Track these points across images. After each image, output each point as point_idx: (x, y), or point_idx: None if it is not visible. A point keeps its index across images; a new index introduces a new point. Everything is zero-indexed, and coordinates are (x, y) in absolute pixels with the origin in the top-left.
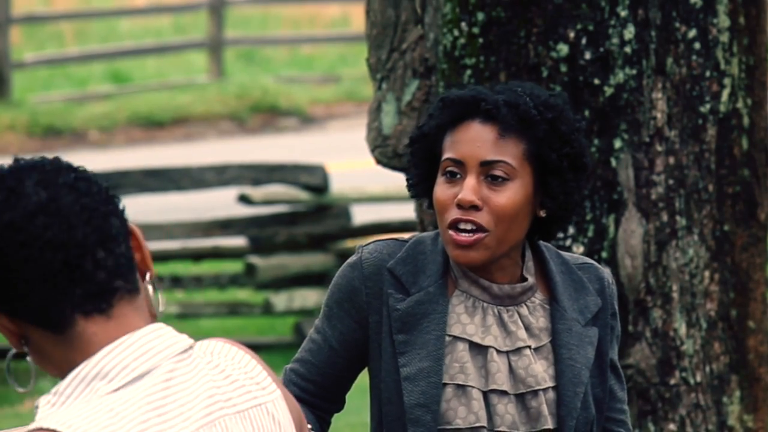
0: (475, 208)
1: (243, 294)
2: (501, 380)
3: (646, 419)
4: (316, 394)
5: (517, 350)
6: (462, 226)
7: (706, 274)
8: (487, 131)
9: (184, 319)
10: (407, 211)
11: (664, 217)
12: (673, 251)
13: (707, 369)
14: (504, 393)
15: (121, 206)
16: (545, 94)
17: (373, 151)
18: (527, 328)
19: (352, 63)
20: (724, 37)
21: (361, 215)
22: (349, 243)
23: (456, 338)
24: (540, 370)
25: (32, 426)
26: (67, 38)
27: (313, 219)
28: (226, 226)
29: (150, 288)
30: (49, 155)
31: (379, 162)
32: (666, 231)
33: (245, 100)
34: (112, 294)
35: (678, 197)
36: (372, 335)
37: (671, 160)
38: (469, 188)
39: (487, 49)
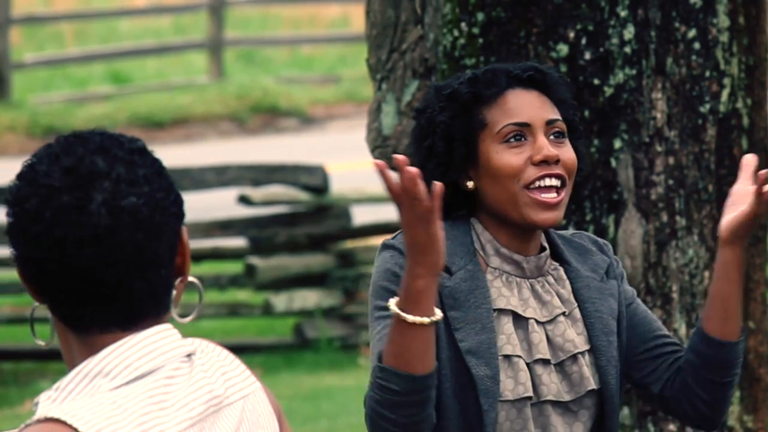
0: (556, 162)
1: (243, 295)
2: (543, 350)
3: (646, 420)
4: None
5: (552, 320)
6: (548, 182)
7: (706, 274)
8: (535, 95)
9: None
10: None
11: (664, 218)
12: (672, 251)
13: None
14: (547, 362)
15: (181, 211)
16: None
17: (373, 151)
18: (558, 296)
19: (352, 63)
20: (724, 37)
21: (361, 216)
22: (349, 243)
23: (500, 311)
24: (575, 335)
25: (35, 418)
26: (67, 39)
27: (313, 219)
28: (226, 226)
29: (177, 290)
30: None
31: None
32: (666, 231)
33: (245, 100)
34: (139, 318)
35: (678, 197)
36: None
37: (671, 160)
38: (548, 145)
39: (487, 50)
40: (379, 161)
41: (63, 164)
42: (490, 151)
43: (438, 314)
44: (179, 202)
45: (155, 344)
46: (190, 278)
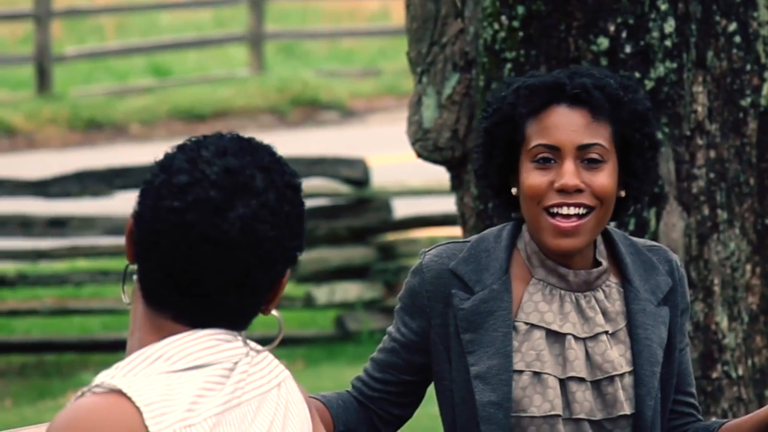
0: (578, 191)
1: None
2: (579, 367)
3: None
4: (377, 390)
5: (594, 336)
6: (565, 211)
7: (748, 267)
8: (578, 115)
9: None
10: (448, 204)
11: (705, 211)
12: (714, 245)
13: (749, 362)
14: (581, 380)
15: (296, 258)
16: (617, 75)
17: (413, 144)
18: (604, 313)
19: (392, 56)
20: (765, 31)
21: (401, 208)
22: (390, 236)
23: (533, 326)
24: (616, 356)
25: (93, 384)
26: (107, 32)
27: (354, 212)
28: None
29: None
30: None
31: (419, 155)
32: (707, 224)
33: (286, 93)
34: (213, 325)
35: (719, 191)
36: (435, 338)
37: (712, 153)
38: (571, 173)
39: (528, 43)
40: None
41: (227, 163)
42: (523, 167)
43: None
44: (298, 250)
45: (217, 341)
46: (273, 312)
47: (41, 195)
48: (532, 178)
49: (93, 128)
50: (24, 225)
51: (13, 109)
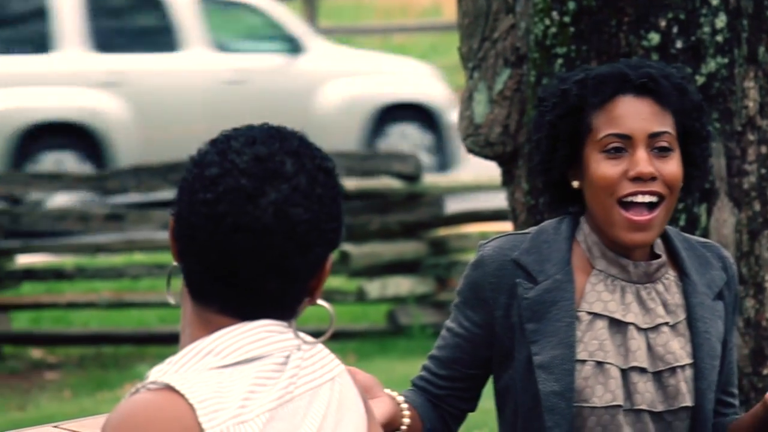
0: (652, 179)
1: (336, 281)
2: (641, 357)
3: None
4: (444, 388)
5: (655, 327)
6: (639, 199)
7: None
8: (645, 104)
9: None
10: (499, 199)
11: (757, 207)
12: (765, 241)
13: None
14: (643, 371)
15: (337, 241)
16: (673, 66)
17: (465, 139)
18: (664, 305)
19: (443, 52)
20: None
21: (453, 204)
22: (441, 231)
23: (596, 316)
24: (677, 347)
25: (147, 381)
26: None
27: (406, 207)
28: None
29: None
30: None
31: (470, 151)
32: (758, 220)
33: None
34: (259, 314)
35: None
36: (499, 330)
37: (763, 149)
38: (645, 160)
39: (579, 38)
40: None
41: (256, 151)
42: (591, 159)
43: None
44: (338, 233)
45: (268, 333)
46: (320, 302)
47: (99, 189)
48: (604, 168)
49: None
50: (82, 219)
51: None
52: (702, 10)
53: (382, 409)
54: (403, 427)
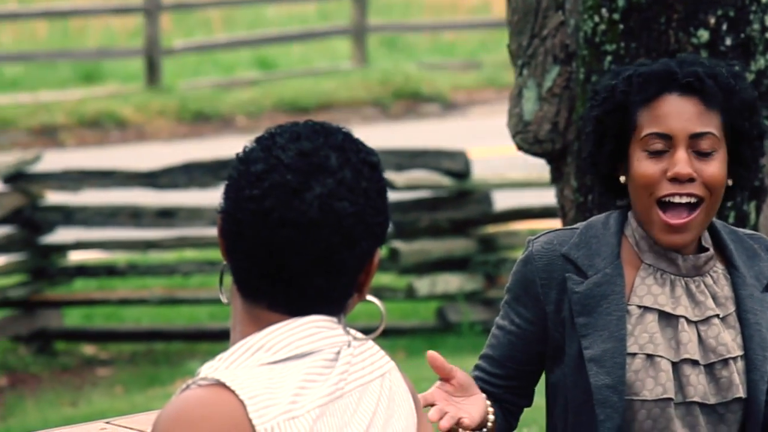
0: (690, 180)
1: (386, 278)
2: (692, 350)
3: None
4: (500, 386)
5: (706, 320)
6: (677, 200)
7: None
8: (690, 104)
9: None
10: (548, 197)
11: None
12: None
13: None
14: (695, 363)
15: (383, 235)
16: (726, 63)
17: (514, 137)
18: (713, 298)
19: (493, 49)
20: None
21: (502, 201)
22: (491, 228)
23: (646, 309)
24: (729, 339)
25: (198, 378)
26: (215, 25)
27: (455, 204)
28: None
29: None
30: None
31: (520, 148)
32: None
33: (388, 86)
34: (308, 310)
35: None
36: (550, 324)
37: None
38: (684, 161)
39: (628, 36)
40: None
41: (300, 146)
42: (634, 156)
43: None
44: (384, 226)
45: (318, 329)
46: (371, 298)
47: (150, 186)
48: (644, 167)
49: (200, 120)
50: (134, 216)
51: (124, 101)
52: (751, 7)
53: (479, 406)
54: (489, 424)
